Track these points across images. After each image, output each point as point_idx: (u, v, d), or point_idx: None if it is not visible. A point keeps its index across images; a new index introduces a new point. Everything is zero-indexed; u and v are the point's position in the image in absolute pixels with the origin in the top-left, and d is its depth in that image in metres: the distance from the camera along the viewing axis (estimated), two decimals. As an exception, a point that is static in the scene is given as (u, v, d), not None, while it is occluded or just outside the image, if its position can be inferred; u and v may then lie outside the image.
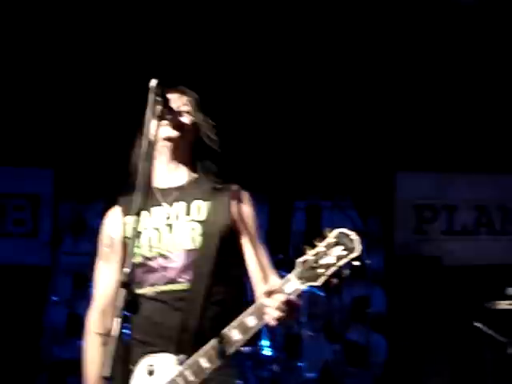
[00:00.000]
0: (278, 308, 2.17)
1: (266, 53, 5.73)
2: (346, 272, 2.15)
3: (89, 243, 6.33)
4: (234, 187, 2.57)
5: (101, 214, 2.68)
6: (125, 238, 2.52)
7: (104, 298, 2.58)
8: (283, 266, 2.56)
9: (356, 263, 2.14)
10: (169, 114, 2.44)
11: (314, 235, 2.16)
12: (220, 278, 2.44)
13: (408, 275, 6.37)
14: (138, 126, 2.59)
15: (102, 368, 2.08)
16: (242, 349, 2.49)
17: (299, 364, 5.74)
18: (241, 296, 2.58)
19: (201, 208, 2.50)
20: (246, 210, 2.55)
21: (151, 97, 2.31)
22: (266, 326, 2.27)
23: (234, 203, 2.53)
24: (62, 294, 6.51)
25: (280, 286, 2.19)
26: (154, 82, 2.30)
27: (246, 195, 2.58)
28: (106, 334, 2.46)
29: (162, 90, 2.35)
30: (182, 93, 2.63)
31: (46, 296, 6.47)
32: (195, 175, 2.60)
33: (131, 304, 2.08)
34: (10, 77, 5.94)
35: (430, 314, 6.22)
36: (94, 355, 2.54)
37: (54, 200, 6.56)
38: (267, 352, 5.18)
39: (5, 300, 6.22)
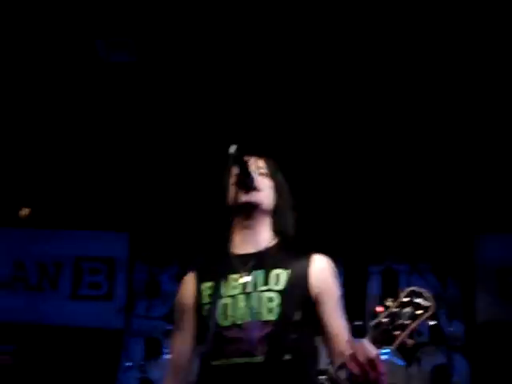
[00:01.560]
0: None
1: (339, 122, 5.65)
2: (422, 332, 2.04)
3: (162, 307, 6.32)
4: (316, 254, 2.45)
5: (175, 278, 2.63)
6: (200, 304, 2.43)
7: (177, 366, 2.51)
8: (359, 333, 2.43)
9: (432, 322, 2.04)
10: (247, 179, 2.38)
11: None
12: (296, 352, 2.31)
13: (491, 342, 6.07)
14: (215, 191, 2.57)
15: None
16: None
17: None
18: (316, 367, 2.41)
19: (280, 277, 2.38)
20: (328, 278, 2.41)
21: (230, 162, 2.27)
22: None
23: (314, 272, 2.40)
24: (134, 358, 6.48)
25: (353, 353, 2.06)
26: (233, 148, 2.26)
27: (328, 263, 2.45)
28: None
29: (241, 156, 2.31)
30: (259, 156, 2.57)
31: (119, 359, 6.45)
32: (274, 241, 2.50)
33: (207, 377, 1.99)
34: (86, 142, 6.06)
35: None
36: None
37: (129, 263, 6.61)
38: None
39: (78, 362, 6.22)
